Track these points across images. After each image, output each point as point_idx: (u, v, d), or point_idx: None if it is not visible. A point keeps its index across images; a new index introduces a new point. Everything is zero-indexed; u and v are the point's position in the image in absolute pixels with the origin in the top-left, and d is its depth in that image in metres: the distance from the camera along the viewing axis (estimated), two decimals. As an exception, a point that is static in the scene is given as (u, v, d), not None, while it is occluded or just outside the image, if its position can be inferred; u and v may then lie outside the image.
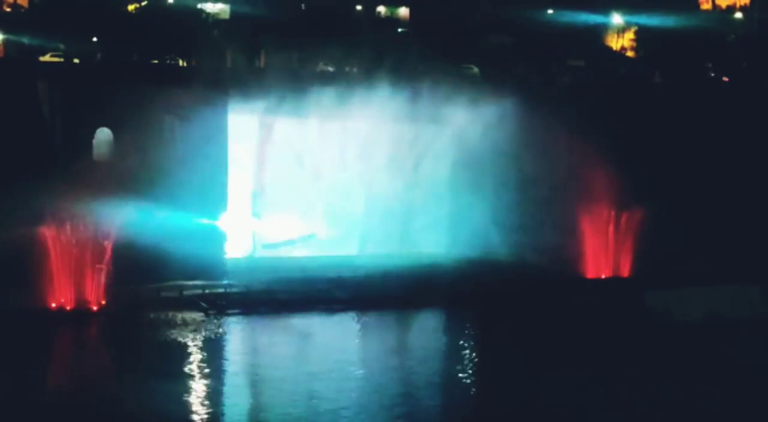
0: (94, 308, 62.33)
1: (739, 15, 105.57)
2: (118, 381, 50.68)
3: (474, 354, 56.52)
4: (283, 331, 62.64)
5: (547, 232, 71.21)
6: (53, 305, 61.53)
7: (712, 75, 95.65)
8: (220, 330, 61.43)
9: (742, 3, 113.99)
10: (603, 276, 69.85)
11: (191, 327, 61.08)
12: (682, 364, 37.54)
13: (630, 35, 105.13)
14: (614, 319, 54.04)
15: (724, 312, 34.65)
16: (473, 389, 50.46)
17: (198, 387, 50.04)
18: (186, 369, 52.66)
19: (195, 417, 45.44)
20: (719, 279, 44.96)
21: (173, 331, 60.15)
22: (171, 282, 66.40)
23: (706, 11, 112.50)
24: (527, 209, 73.39)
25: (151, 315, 62.14)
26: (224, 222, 72.32)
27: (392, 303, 66.61)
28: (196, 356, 55.95)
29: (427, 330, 65.15)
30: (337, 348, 58.56)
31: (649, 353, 45.35)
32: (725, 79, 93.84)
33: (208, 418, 45.47)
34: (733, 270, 57.54)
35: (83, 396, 48.62)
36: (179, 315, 62.88)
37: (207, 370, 53.13)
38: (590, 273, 70.37)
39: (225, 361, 56.12)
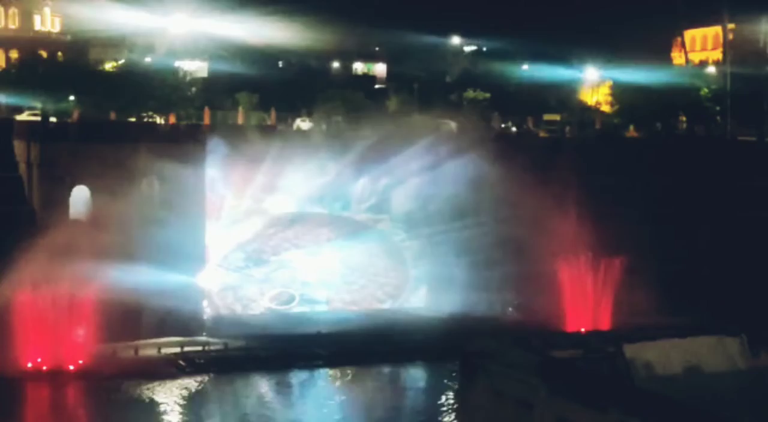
0: (71, 368, 61.60)
1: (711, 69, 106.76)
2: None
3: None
4: (260, 390, 62.05)
5: (523, 286, 71.14)
6: (29, 365, 60.80)
7: (687, 128, 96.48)
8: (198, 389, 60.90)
9: (715, 58, 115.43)
10: (583, 330, 69.87)
11: (168, 387, 60.41)
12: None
13: (605, 90, 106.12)
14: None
15: (703, 365, 34.51)
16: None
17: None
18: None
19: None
20: (697, 331, 45.07)
21: (150, 390, 59.47)
22: (149, 340, 65.76)
23: (680, 66, 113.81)
24: (504, 263, 73.27)
25: (129, 375, 61.39)
26: (202, 278, 71.91)
27: (372, 359, 66.13)
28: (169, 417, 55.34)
29: (403, 387, 64.64)
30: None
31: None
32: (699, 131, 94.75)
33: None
34: (711, 322, 57.81)
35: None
36: (157, 374, 62.17)
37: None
38: (570, 327, 70.30)
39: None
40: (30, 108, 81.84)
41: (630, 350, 34.68)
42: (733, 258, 74.83)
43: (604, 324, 70.53)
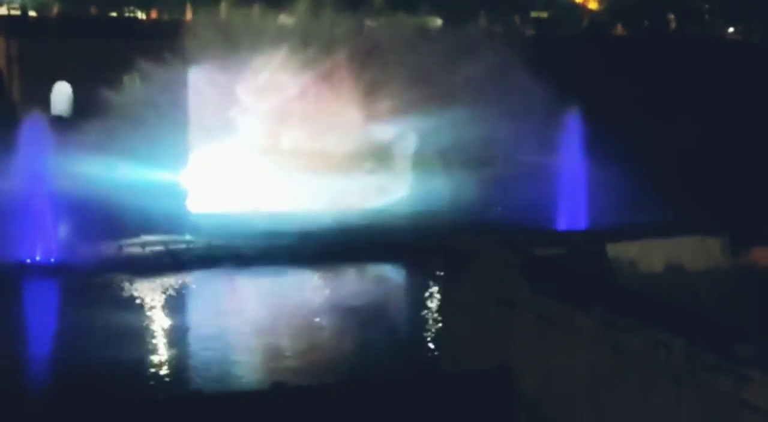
0: (53, 262, 61.68)
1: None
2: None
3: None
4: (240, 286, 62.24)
5: (511, 185, 71.12)
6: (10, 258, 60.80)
7: (675, 26, 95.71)
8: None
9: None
10: (567, 229, 70.13)
11: (153, 282, 60.69)
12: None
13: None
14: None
15: (685, 264, 34.62)
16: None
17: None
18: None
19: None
20: (680, 231, 45.32)
21: (135, 286, 59.79)
22: (133, 239, 65.79)
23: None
24: (491, 162, 73.19)
25: (114, 271, 61.56)
26: (186, 177, 71.67)
27: (357, 257, 66.37)
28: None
29: (387, 285, 65.05)
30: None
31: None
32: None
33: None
34: (693, 221, 58.16)
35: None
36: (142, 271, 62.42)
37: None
38: (556, 226, 70.59)
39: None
40: (8, 1, 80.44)
41: (613, 249, 34.77)
42: (720, 158, 74.87)
43: (588, 222, 70.75)
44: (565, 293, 31.84)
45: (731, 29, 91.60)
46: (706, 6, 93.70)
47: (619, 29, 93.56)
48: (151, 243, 66.06)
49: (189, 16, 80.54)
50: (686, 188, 70.08)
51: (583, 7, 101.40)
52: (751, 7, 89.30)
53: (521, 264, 34.06)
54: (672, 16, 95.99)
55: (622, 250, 34.79)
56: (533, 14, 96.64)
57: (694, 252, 35.06)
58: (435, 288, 59.21)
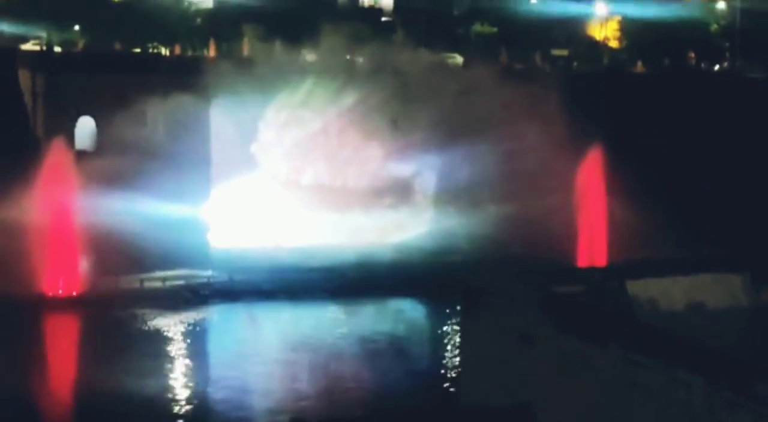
0: (75, 296, 61.92)
1: (721, 4, 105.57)
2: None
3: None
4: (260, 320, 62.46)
5: (530, 221, 71.01)
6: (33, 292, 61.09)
7: (695, 64, 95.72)
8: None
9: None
10: (586, 266, 69.88)
11: (173, 317, 60.81)
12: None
13: (613, 25, 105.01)
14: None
15: (705, 301, 34.51)
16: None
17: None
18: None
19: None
20: (700, 268, 45.23)
21: (154, 320, 59.89)
22: (154, 273, 65.95)
23: (689, 1, 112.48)
24: (510, 198, 73.16)
25: (134, 305, 61.72)
26: (207, 211, 71.91)
27: (377, 292, 66.35)
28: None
29: (407, 320, 64.96)
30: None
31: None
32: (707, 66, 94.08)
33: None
34: (713, 258, 57.87)
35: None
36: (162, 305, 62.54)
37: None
38: (575, 262, 70.45)
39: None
40: (35, 37, 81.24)
41: (633, 286, 34.72)
42: (741, 194, 74.64)
43: (608, 258, 70.51)
44: (585, 330, 31.81)
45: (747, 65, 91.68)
46: (727, 44, 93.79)
47: (640, 66, 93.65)
48: (171, 277, 66.23)
49: (212, 52, 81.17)
50: (707, 224, 69.85)
51: (603, 45, 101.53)
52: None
53: (541, 301, 34.07)
54: (692, 54, 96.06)
55: (642, 288, 34.75)
56: (554, 52, 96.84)
57: (715, 290, 34.98)
58: (454, 324, 59.15)
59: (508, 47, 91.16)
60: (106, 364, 50.31)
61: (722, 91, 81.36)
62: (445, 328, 60.40)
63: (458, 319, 57.98)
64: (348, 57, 77.75)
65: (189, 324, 59.94)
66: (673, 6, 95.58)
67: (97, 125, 69.39)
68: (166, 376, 50.04)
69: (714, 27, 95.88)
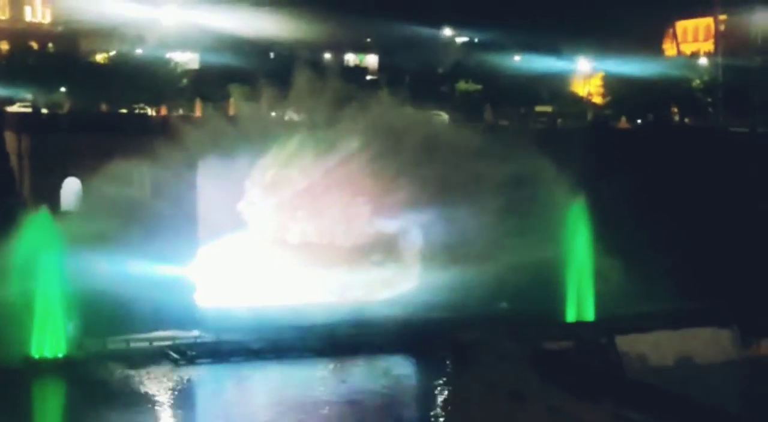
0: (60, 356, 61.39)
1: (703, 61, 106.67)
2: None
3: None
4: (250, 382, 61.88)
5: (513, 274, 70.97)
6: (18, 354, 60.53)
7: (678, 119, 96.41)
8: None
9: (706, 49, 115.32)
10: (574, 321, 69.72)
11: (159, 379, 60.23)
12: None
13: (596, 81, 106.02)
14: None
15: (696, 356, 34.39)
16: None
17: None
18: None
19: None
20: (688, 322, 45.14)
21: (141, 382, 59.31)
22: (140, 334, 65.46)
23: (671, 57, 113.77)
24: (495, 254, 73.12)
25: (120, 367, 61.18)
26: (194, 271, 71.63)
27: (365, 350, 65.96)
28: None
29: (395, 378, 64.48)
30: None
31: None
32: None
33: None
34: (701, 311, 57.79)
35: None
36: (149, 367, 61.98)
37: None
38: (563, 317, 70.23)
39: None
40: (21, 99, 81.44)
41: (622, 342, 34.58)
42: (727, 247, 74.75)
43: (597, 313, 70.38)
44: (575, 386, 31.58)
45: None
46: (709, 99, 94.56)
47: (623, 122, 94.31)
48: (158, 338, 65.75)
49: (198, 112, 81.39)
50: (694, 278, 69.86)
51: (587, 101, 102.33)
52: (754, 100, 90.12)
53: (530, 358, 33.86)
54: (675, 109, 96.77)
55: (632, 342, 34.60)
56: (538, 108, 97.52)
57: (705, 344, 34.86)
58: (445, 381, 58.74)
59: (493, 104, 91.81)
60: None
61: (706, 145, 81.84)
62: (435, 385, 59.95)
63: (448, 376, 57.71)
64: (334, 115, 77.90)
65: (176, 386, 59.33)
66: (655, 62, 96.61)
67: (83, 186, 69.25)
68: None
69: (696, 82, 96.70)
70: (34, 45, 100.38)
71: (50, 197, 67.78)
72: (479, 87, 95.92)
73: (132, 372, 60.45)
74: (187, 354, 64.09)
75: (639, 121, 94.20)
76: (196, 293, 71.89)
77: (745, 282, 69.06)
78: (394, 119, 78.03)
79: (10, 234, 60.85)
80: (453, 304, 71.02)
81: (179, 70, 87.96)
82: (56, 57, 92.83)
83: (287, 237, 78.16)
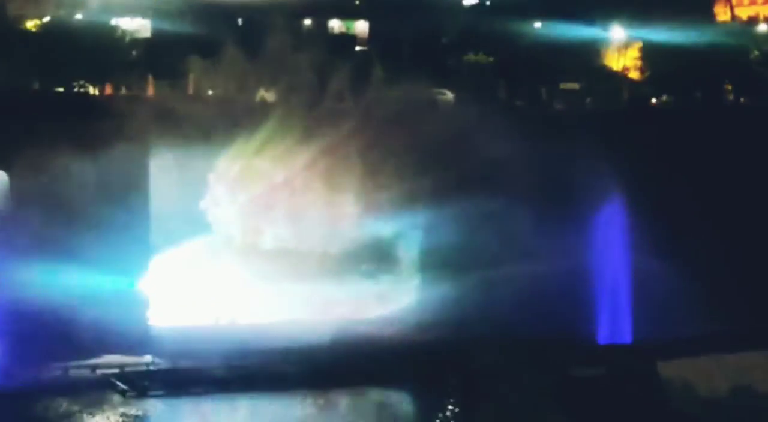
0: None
1: (763, 27, 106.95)
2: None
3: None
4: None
5: (535, 287, 71.45)
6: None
7: (731, 97, 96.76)
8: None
9: (767, 14, 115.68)
10: (608, 342, 70.17)
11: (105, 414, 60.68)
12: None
13: (633, 53, 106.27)
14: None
15: (754, 384, 34.81)
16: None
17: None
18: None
19: None
20: (745, 345, 45.36)
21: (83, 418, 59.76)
22: (82, 359, 65.90)
23: (724, 23, 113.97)
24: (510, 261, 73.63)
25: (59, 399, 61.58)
26: (147, 283, 71.99)
27: (353, 379, 66.38)
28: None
29: (387, 416, 64.96)
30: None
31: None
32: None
33: None
34: (760, 332, 57.87)
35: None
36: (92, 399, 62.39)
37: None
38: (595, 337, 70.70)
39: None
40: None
41: (666, 368, 35.02)
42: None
43: (635, 335, 70.94)
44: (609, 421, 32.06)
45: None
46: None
47: (665, 101, 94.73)
48: (103, 365, 66.18)
49: (151, 91, 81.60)
50: (750, 293, 70.36)
51: (622, 77, 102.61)
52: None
53: (556, 387, 34.31)
54: (729, 86, 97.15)
55: (677, 369, 35.06)
56: (562, 86, 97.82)
57: (764, 370, 35.33)
58: (451, 418, 59.20)
59: (508, 80, 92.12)
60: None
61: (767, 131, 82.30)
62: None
63: (455, 412, 58.15)
64: (315, 95, 78.27)
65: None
66: (704, 30, 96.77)
67: (11, 181, 69.53)
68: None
69: (755, 53, 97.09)
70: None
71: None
72: (491, 59, 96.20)
73: (72, 407, 60.79)
74: (138, 385, 64.53)
75: (683, 100, 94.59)
76: (148, 311, 72.30)
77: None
78: (389, 100, 78.42)
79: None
80: (461, 323, 71.53)
81: (127, 39, 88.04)
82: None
83: (259, 242, 78.49)
